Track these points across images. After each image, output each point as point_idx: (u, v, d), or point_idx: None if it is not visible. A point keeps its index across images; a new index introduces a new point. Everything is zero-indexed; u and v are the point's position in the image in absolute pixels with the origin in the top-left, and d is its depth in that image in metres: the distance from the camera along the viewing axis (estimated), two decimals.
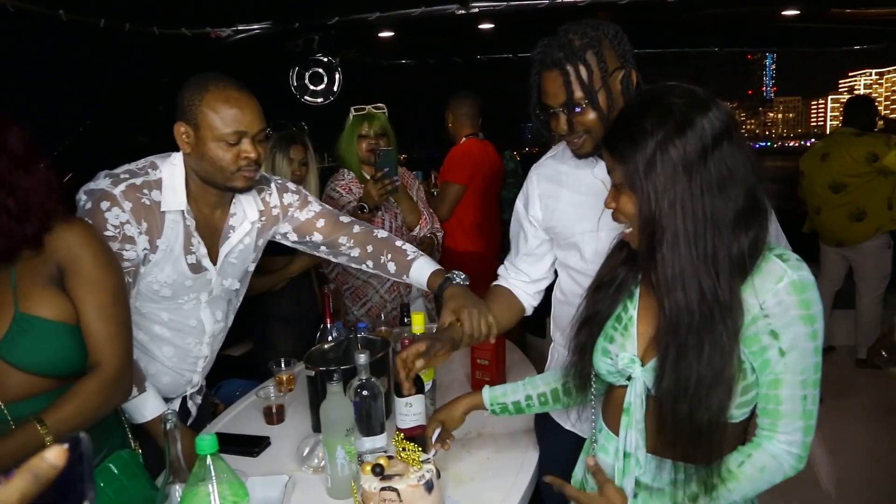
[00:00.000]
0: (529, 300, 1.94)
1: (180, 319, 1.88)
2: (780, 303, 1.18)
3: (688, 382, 1.17)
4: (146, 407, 1.76)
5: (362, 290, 3.00)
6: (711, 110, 1.18)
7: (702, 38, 4.51)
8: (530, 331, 4.36)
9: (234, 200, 1.89)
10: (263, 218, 1.97)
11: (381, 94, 3.14)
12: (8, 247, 1.34)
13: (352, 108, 3.04)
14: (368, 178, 2.90)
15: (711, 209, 1.16)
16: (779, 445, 1.24)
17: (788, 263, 1.19)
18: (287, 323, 2.84)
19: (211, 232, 1.85)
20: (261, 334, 2.89)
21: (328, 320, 2.39)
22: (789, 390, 1.21)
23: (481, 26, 3.55)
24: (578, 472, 1.58)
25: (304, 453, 1.84)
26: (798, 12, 3.34)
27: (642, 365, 1.30)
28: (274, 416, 2.11)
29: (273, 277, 2.79)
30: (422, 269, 1.98)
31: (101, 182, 1.68)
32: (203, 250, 1.82)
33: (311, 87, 3.87)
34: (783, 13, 3.42)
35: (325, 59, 3.76)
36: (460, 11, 3.05)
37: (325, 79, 3.85)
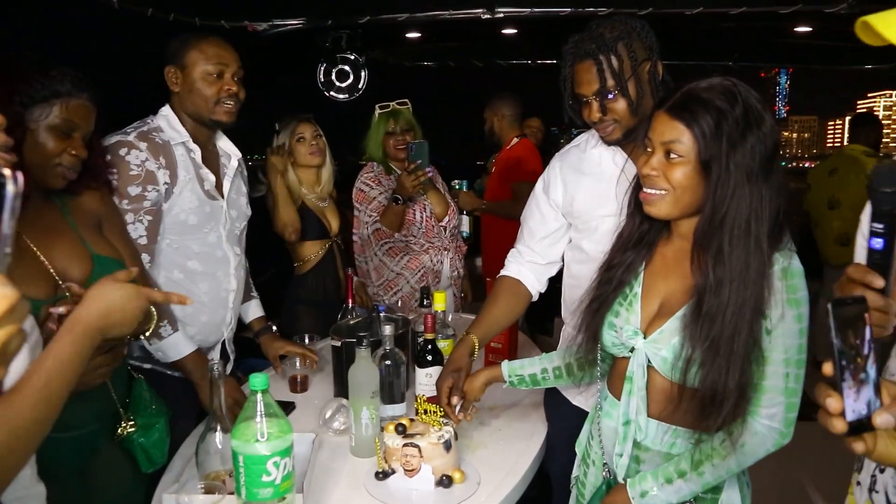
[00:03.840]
0: (537, 286, 2.04)
1: (208, 251, 2.12)
2: (770, 286, 1.30)
3: (729, 357, 1.28)
4: (181, 344, 1.95)
5: (395, 282, 3.10)
6: (770, 115, 1.31)
7: (718, 52, 4.63)
8: (538, 329, 4.47)
9: (218, 146, 2.20)
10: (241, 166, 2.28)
11: (403, 94, 3.26)
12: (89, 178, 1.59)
13: (377, 107, 3.14)
14: (400, 171, 3.02)
15: (768, 199, 1.29)
16: (761, 422, 1.34)
17: (781, 252, 1.32)
18: (312, 306, 2.97)
19: (212, 168, 2.12)
20: (287, 316, 3.01)
21: (350, 300, 2.52)
22: (773, 367, 1.32)
23: (504, 31, 3.68)
24: (583, 440, 1.71)
25: (327, 415, 1.95)
26: (810, 29, 3.46)
27: (644, 337, 1.43)
28: (298, 384, 2.24)
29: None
30: (253, 308, 2.43)
31: (113, 137, 1.92)
32: (212, 178, 2.10)
33: (338, 84, 4.02)
34: (795, 30, 3.54)
35: (352, 57, 3.91)
36: (486, 16, 3.18)
37: (352, 76, 3.99)
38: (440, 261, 3.13)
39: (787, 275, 1.31)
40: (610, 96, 1.72)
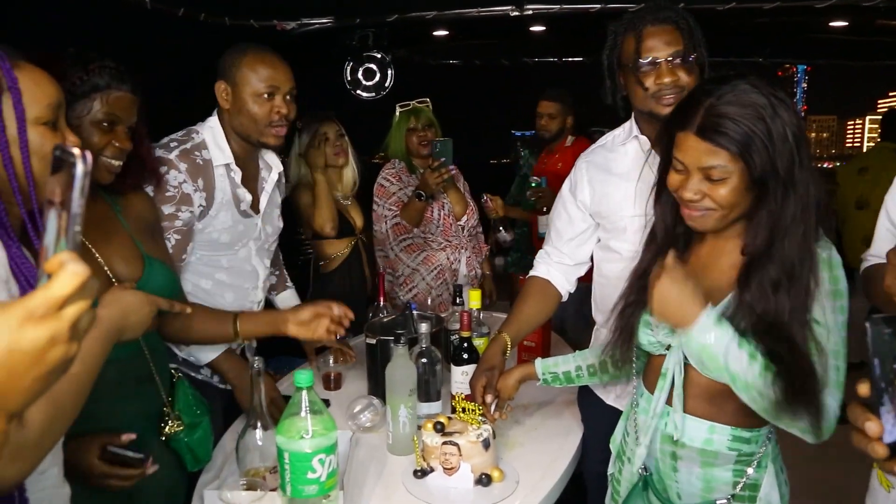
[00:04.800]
0: (566, 286, 2.02)
1: (238, 265, 2.10)
2: (817, 278, 1.27)
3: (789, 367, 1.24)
4: (209, 347, 1.95)
5: (410, 278, 3.12)
6: (789, 102, 1.27)
7: (748, 48, 4.56)
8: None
9: (260, 157, 2.16)
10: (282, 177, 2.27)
11: (427, 93, 3.27)
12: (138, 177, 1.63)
13: (397, 106, 3.17)
14: (422, 168, 3.03)
15: (815, 197, 1.26)
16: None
17: (819, 244, 1.30)
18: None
19: (251, 186, 2.08)
20: None
21: (381, 298, 2.52)
22: (826, 360, 1.27)
23: (532, 28, 3.66)
24: (618, 437, 1.69)
25: (355, 410, 1.93)
26: (846, 23, 3.41)
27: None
28: (332, 382, 2.24)
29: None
30: (289, 298, 2.45)
31: (154, 151, 1.86)
32: (248, 198, 2.05)
33: (364, 82, 4.02)
34: (831, 24, 3.48)
35: (379, 56, 3.91)
36: (515, 13, 3.17)
37: (378, 74, 3.99)
38: (457, 259, 3.14)
39: (830, 266, 1.29)
40: (690, 58, 1.68)
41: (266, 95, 1.93)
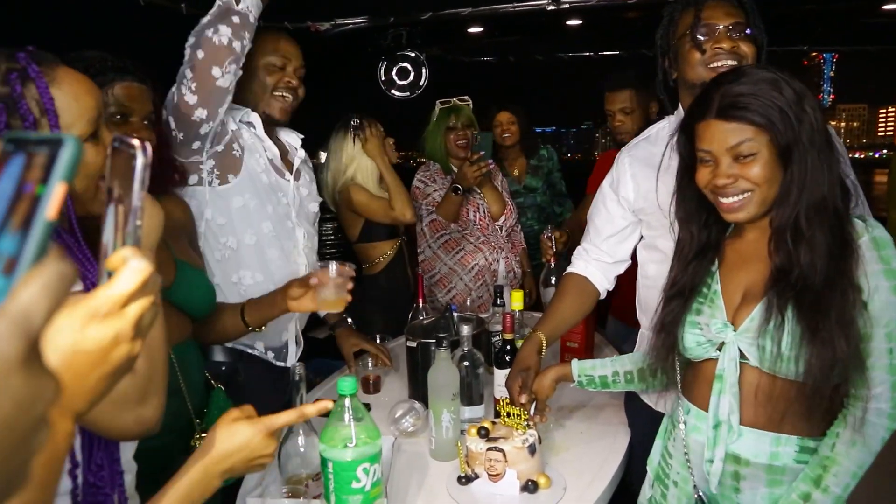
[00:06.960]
0: (605, 284, 1.95)
1: (281, 217, 2.08)
2: (861, 257, 1.23)
3: (831, 347, 1.20)
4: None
5: (448, 278, 3.09)
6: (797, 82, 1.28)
7: (789, 37, 4.42)
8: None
9: (281, 139, 2.18)
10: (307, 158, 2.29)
11: (461, 90, 3.23)
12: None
13: (437, 102, 3.13)
14: (457, 169, 2.99)
15: (836, 171, 1.26)
16: (866, 407, 1.23)
17: (868, 223, 1.27)
18: (381, 304, 2.95)
19: (284, 159, 2.13)
20: (356, 314, 3.00)
21: (421, 300, 2.49)
22: (875, 343, 1.23)
23: (569, 22, 3.60)
24: (654, 458, 1.60)
25: (397, 415, 1.90)
26: None
27: (734, 330, 1.33)
28: (371, 385, 2.21)
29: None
30: None
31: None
32: (274, 149, 2.08)
33: (398, 82, 3.98)
34: (884, 7, 3.34)
35: (413, 54, 3.87)
36: (551, 7, 3.10)
37: (412, 73, 3.95)
38: (496, 259, 3.10)
39: (878, 245, 1.25)
40: (748, 31, 1.63)
41: (278, 66, 2.00)
